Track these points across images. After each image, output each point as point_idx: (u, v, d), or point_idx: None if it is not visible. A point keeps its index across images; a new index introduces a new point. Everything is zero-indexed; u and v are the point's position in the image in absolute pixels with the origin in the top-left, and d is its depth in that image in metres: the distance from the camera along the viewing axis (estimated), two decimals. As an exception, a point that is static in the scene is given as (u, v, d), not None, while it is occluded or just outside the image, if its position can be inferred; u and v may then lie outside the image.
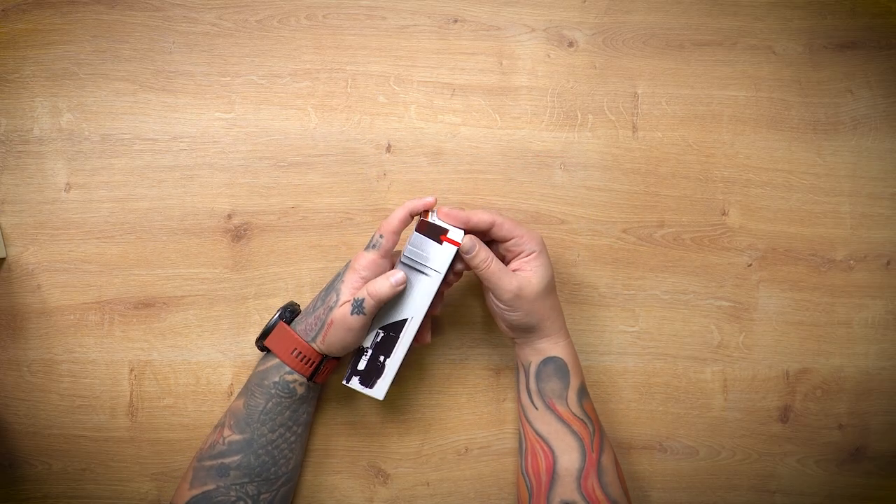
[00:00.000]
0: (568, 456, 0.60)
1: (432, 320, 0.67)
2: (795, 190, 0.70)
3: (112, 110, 0.67)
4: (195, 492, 0.60)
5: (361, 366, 0.61)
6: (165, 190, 0.67)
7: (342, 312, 0.59)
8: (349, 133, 0.68)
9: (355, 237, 0.68)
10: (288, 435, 0.62)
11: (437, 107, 0.68)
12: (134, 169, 0.67)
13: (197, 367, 0.68)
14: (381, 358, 0.61)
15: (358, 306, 0.58)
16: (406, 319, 0.61)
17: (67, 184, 0.67)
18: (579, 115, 0.69)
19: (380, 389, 0.61)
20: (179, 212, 0.67)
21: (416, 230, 0.60)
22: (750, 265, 0.70)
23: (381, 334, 0.61)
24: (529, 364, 0.62)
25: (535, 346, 0.62)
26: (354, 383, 0.62)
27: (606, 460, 0.61)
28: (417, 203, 0.60)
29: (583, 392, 0.62)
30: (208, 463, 0.61)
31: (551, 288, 0.61)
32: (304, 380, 0.61)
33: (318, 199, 0.68)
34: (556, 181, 0.69)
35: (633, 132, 0.69)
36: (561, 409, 0.61)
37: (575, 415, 0.61)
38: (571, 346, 0.63)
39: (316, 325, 0.60)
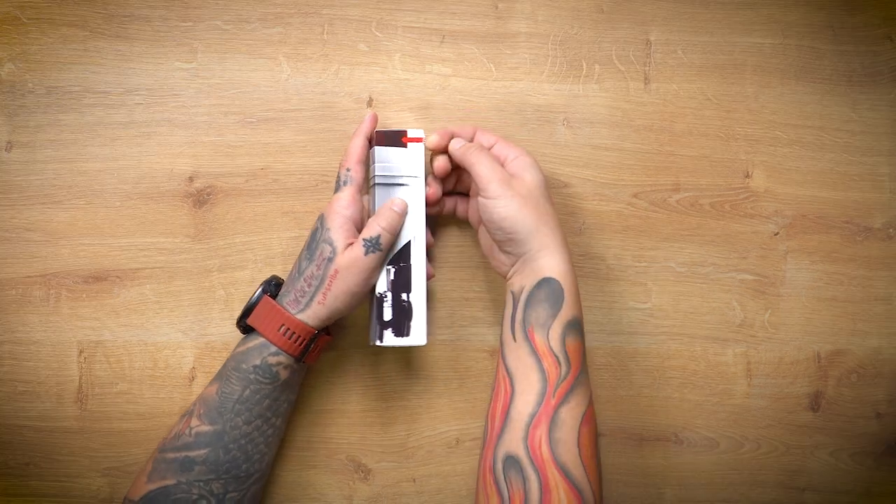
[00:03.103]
0: (524, 397, 0.55)
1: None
2: (828, 149, 0.69)
3: (59, 59, 0.65)
4: (152, 486, 0.57)
5: (388, 315, 0.60)
6: (119, 149, 0.65)
7: (352, 256, 0.57)
8: (326, 85, 0.66)
9: None
10: (265, 427, 0.59)
11: (425, 56, 0.66)
12: (83, 125, 0.65)
13: (154, 348, 0.66)
14: (404, 296, 0.60)
15: (374, 244, 0.58)
16: (409, 242, 0.60)
17: (8, 142, 0.64)
18: (585, 65, 0.67)
19: (418, 333, 0.60)
20: (135, 174, 0.65)
21: (376, 144, 0.61)
22: (776, 234, 0.69)
23: (392, 269, 0.60)
24: (522, 290, 0.58)
25: (534, 263, 0.57)
26: (389, 338, 0.60)
27: (567, 414, 0.55)
28: (367, 124, 0.62)
29: (573, 328, 0.57)
30: (171, 455, 0.58)
31: (544, 195, 0.59)
32: (291, 361, 0.59)
33: (290, 160, 0.66)
34: (558, 139, 0.67)
35: (646, 84, 0.68)
36: (538, 339, 0.56)
37: (551, 349, 0.56)
38: (572, 272, 0.58)
39: (309, 288, 0.58)
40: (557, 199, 0.67)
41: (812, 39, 0.68)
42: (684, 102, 0.67)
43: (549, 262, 0.57)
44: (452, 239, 0.67)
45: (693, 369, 0.69)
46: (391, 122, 0.66)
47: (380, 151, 0.60)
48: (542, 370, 0.55)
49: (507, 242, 0.58)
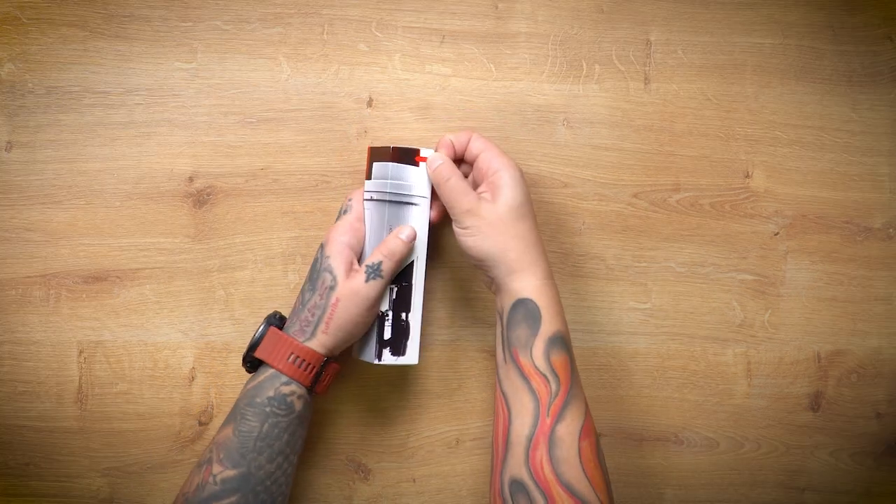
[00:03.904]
0: (521, 420, 0.54)
1: None
2: (828, 149, 0.68)
3: (59, 60, 0.64)
4: None
5: (388, 334, 0.60)
6: (119, 149, 0.64)
7: (353, 285, 0.57)
8: (326, 85, 0.65)
9: (332, 202, 0.65)
10: (286, 465, 0.57)
11: (425, 56, 0.66)
12: (83, 125, 0.64)
13: (154, 348, 0.65)
14: (403, 315, 0.61)
15: (374, 270, 0.57)
16: (412, 262, 0.60)
17: (8, 142, 0.64)
18: (585, 66, 0.67)
19: (412, 353, 0.61)
20: (135, 174, 0.64)
21: (392, 160, 0.59)
22: (776, 234, 0.69)
23: (395, 289, 0.60)
24: (503, 311, 0.58)
25: (506, 286, 0.57)
26: (387, 357, 0.60)
27: (565, 430, 0.54)
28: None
29: (556, 343, 0.56)
30: None
31: (519, 214, 0.57)
32: (304, 391, 0.57)
33: (290, 160, 0.65)
34: (558, 139, 0.67)
35: (646, 84, 0.67)
36: (524, 360, 0.56)
37: (537, 368, 0.55)
38: (550, 289, 0.58)
39: (313, 318, 0.57)
40: (557, 200, 0.67)
41: (812, 39, 0.67)
42: (684, 102, 0.67)
43: (520, 284, 0.57)
44: (452, 239, 0.65)
45: (693, 369, 0.68)
46: (391, 123, 0.65)
47: (395, 168, 0.59)
48: (532, 391, 0.55)
49: (479, 267, 0.58)
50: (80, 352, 0.65)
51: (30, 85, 0.64)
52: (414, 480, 0.67)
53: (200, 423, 0.65)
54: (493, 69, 0.66)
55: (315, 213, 0.65)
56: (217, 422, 0.64)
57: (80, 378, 0.65)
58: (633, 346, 0.68)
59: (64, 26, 0.64)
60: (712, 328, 0.68)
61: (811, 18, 0.67)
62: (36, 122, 0.64)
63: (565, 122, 0.66)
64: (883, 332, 0.69)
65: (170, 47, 0.64)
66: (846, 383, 0.69)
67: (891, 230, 0.69)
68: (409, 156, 0.59)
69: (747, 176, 0.68)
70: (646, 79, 0.67)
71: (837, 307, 0.69)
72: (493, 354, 0.66)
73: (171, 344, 0.65)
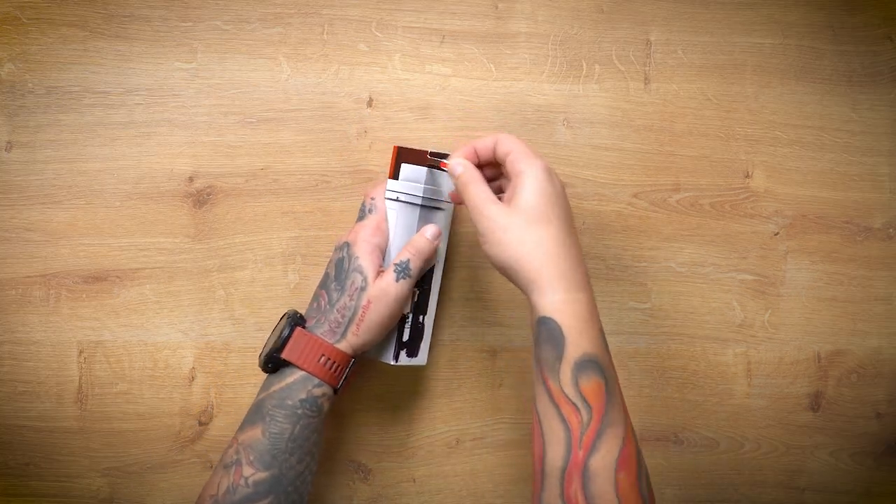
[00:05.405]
0: (553, 448, 0.51)
1: None
2: (828, 149, 0.68)
3: (59, 59, 0.64)
4: None
5: (406, 336, 0.60)
6: (119, 149, 0.64)
7: (384, 285, 0.56)
8: (326, 85, 0.65)
9: (332, 202, 0.65)
10: (312, 464, 0.57)
11: (425, 56, 0.66)
12: (83, 125, 0.64)
13: (154, 348, 0.65)
14: (421, 318, 0.61)
15: (403, 270, 0.57)
16: (432, 266, 0.61)
17: (8, 142, 0.64)
18: (585, 66, 0.66)
19: (423, 355, 0.62)
20: (135, 174, 0.64)
21: (428, 165, 0.60)
22: (777, 234, 0.68)
23: (417, 292, 0.60)
24: (531, 327, 0.54)
25: (530, 301, 0.53)
26: (403, 358, 0.61)
27: (598, 464, 0.50)
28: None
29: (585, 367, 0.51)
30: None
31: (536, 219, 0.52)
32: (331, 392, 0.57)
33: (290, 160, 0.65)
34: (558, 139, 0.66)
35: (646, 84, 0.67)
36: (552, 384, 0.51)
37: (566, 395, 0.51)
38: (577, 305, 0.52)
39: (343, 319, 0.57)
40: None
41: (812, 39, 0.67)
42: (684, 102, 0.67)
43: (539, 299, 0.52)
44: (453, 239, 0.66)
45: (693, 369, 0.68)
46: (391, 123, 0.65)
47: (429, 174, 0.59)
48: (562, 419, 0.51)
49: (505, 277, 0.55)
50: (80, 352, 0.64)
51: (30, 85, 0.63)
52: (414, 480, 0.67)
53: (200, 423, 0.64)
54: (493, 69, 0.65)
55: (315, 213, 0.65)
56: (218, 421, 0.64)
57: (80, 378, 0.64)
58: (632, 346, 0.67)
59: (64, 26, 0.63)
60: (712, 328, 0.68)
61: (811, 18, 0.67)
62: (36, 122, 0.63)
63: (565, 122, 0.66)
64: (883, 332, 0.69)
65: (170, 47, 0.64)
66: (846, 383, 0.69)
67: (891, 230, 0.68)
68: (440, 160, 0.59)
69: (747, 176, 0.67)
70: (646, 79, 0.66)
71: (837, 307, 0.68)
72: (494, 354, 0.67)
73: (171, 344, 0.65)
